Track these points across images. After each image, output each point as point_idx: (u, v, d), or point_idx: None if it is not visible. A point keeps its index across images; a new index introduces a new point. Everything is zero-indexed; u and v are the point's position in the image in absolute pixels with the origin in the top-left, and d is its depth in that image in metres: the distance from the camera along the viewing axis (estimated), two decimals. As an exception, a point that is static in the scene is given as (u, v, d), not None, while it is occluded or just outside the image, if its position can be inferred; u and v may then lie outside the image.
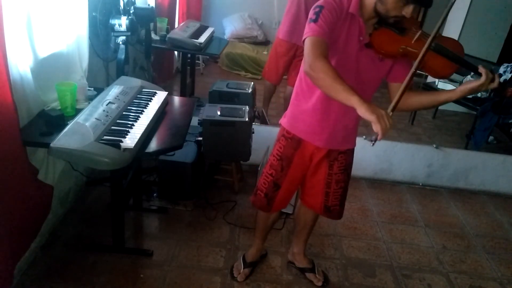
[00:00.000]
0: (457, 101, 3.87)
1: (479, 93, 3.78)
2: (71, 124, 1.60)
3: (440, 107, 4.49)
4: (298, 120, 1.68)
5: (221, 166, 2.84)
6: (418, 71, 1.42)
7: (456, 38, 4.45)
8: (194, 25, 3.59)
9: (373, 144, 1.30)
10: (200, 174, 2.67)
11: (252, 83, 2.97)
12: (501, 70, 3.81)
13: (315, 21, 1.36)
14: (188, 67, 3.91)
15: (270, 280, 2.05)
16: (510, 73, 3.71)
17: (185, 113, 2.14)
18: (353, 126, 1.68)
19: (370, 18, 1.46)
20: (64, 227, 2.20)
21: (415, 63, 1.34)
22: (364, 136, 3.07)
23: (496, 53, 4.47)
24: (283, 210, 2.51)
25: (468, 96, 3.73)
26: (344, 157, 1.74)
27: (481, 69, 1.35)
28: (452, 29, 4.63)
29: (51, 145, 1.46)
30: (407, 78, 1.32)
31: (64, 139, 1.49)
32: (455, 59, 1.41)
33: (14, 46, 1.55)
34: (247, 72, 5.07)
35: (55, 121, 1.71)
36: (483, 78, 1.34)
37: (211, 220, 2.43)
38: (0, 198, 1.43)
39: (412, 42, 1.41)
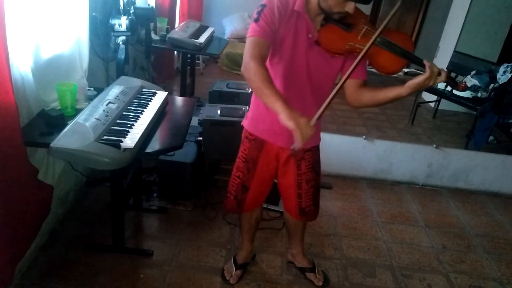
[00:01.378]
0: (457, 101, 3.88)
1: (479, 93, 3.78)
2: (71, 124, 1.60)
3: (440, 107, 4.50)
4: (258, 121, 1.66)
5: (221, 166, 2.84)
6: (369, 69, 1.41)
7: (456, 38, 4.46)
8: (194, 25, 3.59)
9: (292, 152, 1.31)
10: (200, 174, 2.68)
11: (252, 83, 2.96)
12: (501, 70, 3.81)
13: (256, 20, 1.35)
14: (188, 67, 3.91)
15: (270, 280, 2.05)
16: (510, 73, 3.70)
17: (185, 113, 2.14)
18: (315, 123, 1.65)
19: (317, 15, 1.43)
20: (64, 227, 2.20)
21: (355, 61, 1.32)
22: (364, 136, 3.08)
23: (496, 53, 4.46)
24: (282, 210, 2.51)
25: (468, 96, 3.78)
26: (310, 155, 1.71)
27: (426, 63, 1.32)
28: (452, 29, 4.63)
29: (51, 145, 1.46)
30: (341, 81, 1.31)
31: (64, 139, 1.50)
32: (402, 53, 1.38)
33: (15, 46, 1.56)
34: (247, 72, 5.06)
35: (55, 121, 1.71)
36: (427, 72, 1.31)
37: (211, 220, 2.43)
38: (1, 198, 1.43)
39: (359, 38, 1.38)
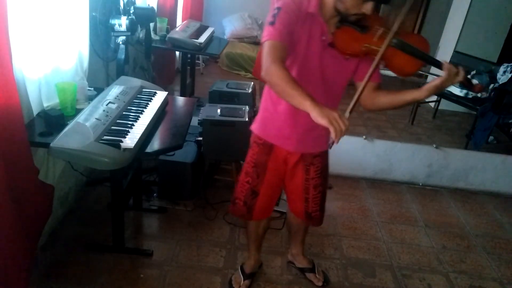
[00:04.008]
0: (457, 101, 3.89)
1: (479, 93, 3.78)
2: (71, 124, 1.60)
3: (440, 107, 4.50)
4: (267, 125, 1.64)
5: (221, 166, 2.84)
6: (386, 70, 1.41)
7: (456, 38, 4.46)
8: (194, 25, 3.59)
9: (330, 147, 1.26)
10: (200, 174, 2.67)
11: (252, 83, 2.97)
12: (501, 70, 3.81)
13: (272, 23, 1.32)
14: (188, 67, 3.91)
15: (270, 280, 2.05)
16: (510, 73, 3.70)
17: (185, 113, 2.14)
18: (323, 128, 1.63)
19: (332, 17, 1.42)
20: (64, 227, 2.20)
21: (374, 62, 1.31)
22: (364, 136, 3.08)
23: (496, 53, 4.47)
24: (283, 210, 2.51)
25: (468, 96, 3.78)
26: (319, 160, 1.70)
27: (445, 65, 1.32)
28: (452, 29, 4.63)
29: (51, 145, 1.46)
30: (365, 79, 1.29)
31: (64, 139, 1.49)
32: (419, 55, 1.37)
33: (15, 46, 1.55)
34: (247, 72, 5.07)
35: (55, 121, 1.71)
36: (445, 74, 1.31)
37: (211, 220, 2.43)
38: (9, 199, 1.43)
39: (375, 39, 1.37)
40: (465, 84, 1.38)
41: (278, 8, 1.35)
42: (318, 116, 1.17)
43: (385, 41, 1.30)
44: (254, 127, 1.71)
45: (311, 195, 1.74)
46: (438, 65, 1.36)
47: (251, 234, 1.96)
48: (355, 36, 1.39)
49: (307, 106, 1.19)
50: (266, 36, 1.32)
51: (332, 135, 1.17)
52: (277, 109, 1.58)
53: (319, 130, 1.61)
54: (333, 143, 1.22)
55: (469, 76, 1.41)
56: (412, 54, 1.37)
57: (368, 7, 1.32)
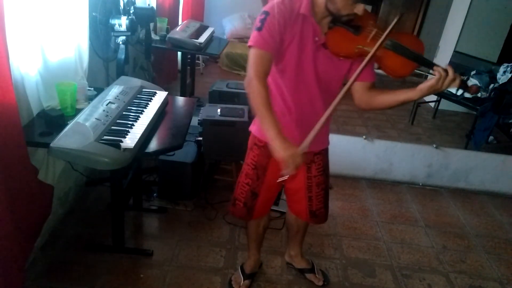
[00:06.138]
0: (457, 101, 3.89)
1: (479, 93, 3.79)
2: (71, 124, 1.60)
3: (440, 107, 4.50)
4: None
5: (221, 166, 2.84)
6: (380, 71, 1.41)
7: (456, 38, 4.46)
8: (194, 25, 3.59)
9: (281, 179, 1.37)
10: (200, 174, 2.68)
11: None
12: (501, 70, 3.81)
13: (259, 29, 1.31)
14: (188, 67, 3.91)
15: (270, 280, 2.05)
16: (510, 73, 3.70)
17: (185, 113, 2.14)
18: (325, 125, 1.59)
19: (324, 17, 1.39)
20: (64, 227, 2.20)
21: (363, 63, 1.29)
22: (364, 136, 3.08)
23: (496, 53, 4.46)
24: (282, 210, 2.51)
25: (468, 96, 3.78)
26: (320, 158, 1.69)
27: (436, 68, 1.29)
28: (452, 29, 4.63)
29: (51, 145, 1.46)
30: (347, 85, 1.32)
31: (64, 139, 1.50)
32: (413, 57, 1.33)
33: (15, 46, 1.56)
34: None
35: (55, 121, 1.72)
36: (436, 77, 1.28)
37: (211, 220, 2.43)
38: (5, 198, 1.43)
39: (368, 40, 1.34)
40: (463, 87, 1.36)
41: (266, 13, 1.33)
42: (277, 148, 1.26)
43: (377, 43, 1.28)
44: (253, 129, 1.68)
45: (314, 193, 1.74)
46: (432, 67, 1.32)
47: (251, 233, 1.96)
48: (348, 37, 1.37)
49: (272, 134, 1.27)
50: (252, 41, 1.33)
51: (284, 171, 1.26)
52: (276, 109, 1.53)
53: (322, 128, 1.62)
54: (282, 177, 1.31)
55: (464, 78, 1.38)
56: (405, 56, 1.34)
57: (359, 8, 1.30)
